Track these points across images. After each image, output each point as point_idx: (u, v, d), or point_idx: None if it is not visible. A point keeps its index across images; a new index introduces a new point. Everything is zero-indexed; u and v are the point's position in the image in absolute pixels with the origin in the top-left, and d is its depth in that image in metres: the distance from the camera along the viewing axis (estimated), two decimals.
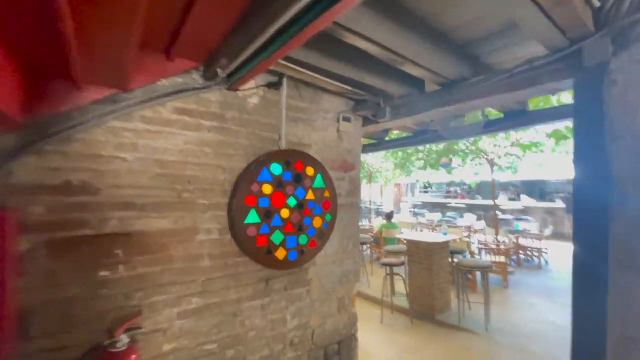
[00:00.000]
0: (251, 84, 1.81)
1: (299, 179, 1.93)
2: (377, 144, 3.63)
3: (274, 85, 1.91)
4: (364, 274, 6.09)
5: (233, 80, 1.61)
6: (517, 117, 2.44)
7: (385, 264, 4.51)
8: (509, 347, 3.50)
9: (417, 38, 1.55)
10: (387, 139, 3.58)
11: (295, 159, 1.92)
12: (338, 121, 2.20)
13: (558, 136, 6.55)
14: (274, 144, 1.90)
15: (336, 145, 2.21)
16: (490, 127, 2.56)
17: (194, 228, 1.60)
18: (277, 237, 1.83)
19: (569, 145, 6.84)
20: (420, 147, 8.06)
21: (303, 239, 1.93)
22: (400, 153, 9.03)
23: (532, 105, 2.51)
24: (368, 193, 13.64)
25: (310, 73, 1.80)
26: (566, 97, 3.11)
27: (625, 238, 1.21)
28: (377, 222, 8.64)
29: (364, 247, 7.37)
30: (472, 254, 5.82)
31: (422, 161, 8.49)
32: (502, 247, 6.09)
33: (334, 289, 2.18)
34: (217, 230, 1.68)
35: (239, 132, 1.77)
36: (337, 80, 1.94)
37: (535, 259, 7.23)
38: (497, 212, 11.52)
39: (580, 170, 1.40)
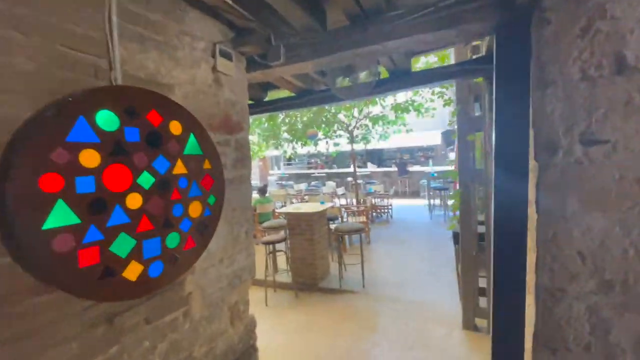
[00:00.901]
0: None
1: (156, 140, 1.15)
2: (254, 105, 3.01)
3: None
4: None
5: None
6: (404, 78, 2.39)
7: (267, 243, 4.10)
8: (385, 298, 3.86)
9: None
10: (266, 99, 3.02)
11: (145, 106, 1.11)
12: (214, 56, 1.48)
13: (398, 109, 7.71)
14: (99, 76, 1.03)
15: (214, 93, 1.49)
16: (380, 87, 2.43)
17: None
18: (122, 244, 1.04)
19: (408, 117, 8.19)
20: (287, 120, 7.86)
21: (173, 240, 1.20)
22: (266, 124, 8.58)
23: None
24: None
25: None
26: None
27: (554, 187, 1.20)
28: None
29: None
30: (341, 218, 6.23)
31: (290, 133, 8.36)
32: (361, 208, 6.81)
33: (224, 297, 1.57)
34: None
35: (12, 43, 0.84)
36: None
37: (384, 215, 8.59)
38: (350, 178, 13.13)
39: (502, 124, 1.34)
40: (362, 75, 2.31)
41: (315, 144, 7.87)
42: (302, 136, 8.11)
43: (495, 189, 1.36)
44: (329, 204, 4.72)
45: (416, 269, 4.67)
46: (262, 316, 3.82)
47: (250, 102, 3.05)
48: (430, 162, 13.10)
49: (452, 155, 13.52)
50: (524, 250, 1.32)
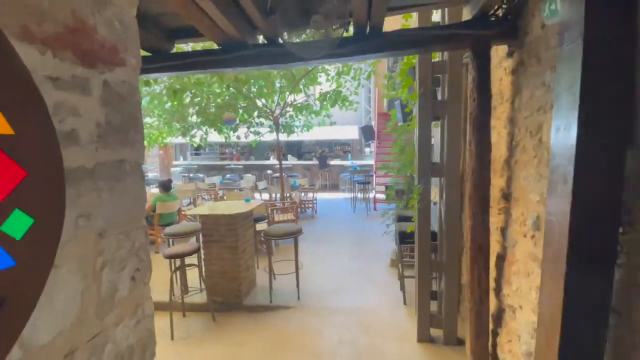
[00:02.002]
0: None
1: None
2: (154, 59, 2.00)
3: None
4: None
5: None
6: (374, 39, 1.81)
7: (172, 257, 3.06)
8: (324, 311, 3.31)
9: None
10: (173, 51, 2.04)
11: None
12: None
13: (325, 99, 7.30)
14: None
15: None
16: (345, 46, 1.80)
17: None
18: None
19: (330, 110, 7.84)
20: (196, 99, 6.52)
21: None
22: (169, 104, 7.01)
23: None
24: None
25: None
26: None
27: None
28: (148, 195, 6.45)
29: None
30: (268, 216, 5.42)
31: (200, 116, 7.02)
32: (286, 204, 6.17)
33: None
34: None
35: None
36: None
37: (309, 210, 8.14)
38: (270, 171, 12.30)
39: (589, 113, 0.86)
40: (322, 24, 1.62)
41: (234, 131, 6.79)
42: (216, 121, 6.90)
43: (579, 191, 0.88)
44: (255, 202, 3.90)
45: (350, 271, 4.30)
46: (166, 356, 2.82)
47: (147, 54, 2.03)
48: (350, 156, 13.32)
49: (367, 151, 14.13)
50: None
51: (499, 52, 1.97)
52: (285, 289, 3.73)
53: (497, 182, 1.97)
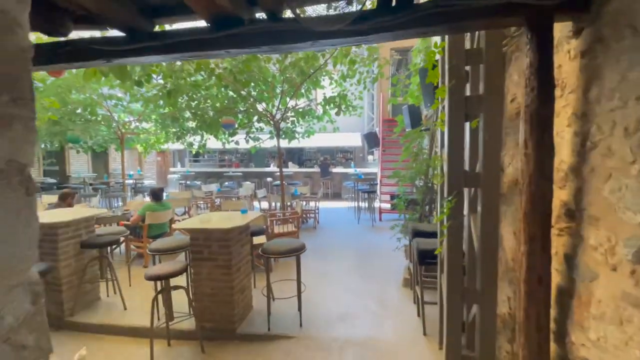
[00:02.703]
0: None
1: None
2: (128, 40, 1.61)
3: None
4: (114, 290, 3.77)
5: None
6: (400, 11, 1.41)
7: (154, 279, 2.62)
8: (332, 343, 2.84)
9: None
10: (155, 30, 1.65)
11: None
12: None
13: (330, 102, 6.93)
14: None
15: None
16: (363, 22, 1.40)
17: None
18: None
19: (332, 116, 7.46)
20: (193, 103, 6.15)
21: None
22: (166, 110, 6.64)
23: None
24: (127, 163, 9.94)
25: None
26: None
27: None
28: (139, 204, 6.03)
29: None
30: (267, 228, 4.97)
31: (196, 121, 6.64)
32: (287, 214, 5.73)
33: None
34: None
35: None
36: None
37: (310, 220, 7.70)
38: (270, 178, 11.89)
39: None
40: None
41: (232, 135, 6.40)
42: (214, 125, 6.52)
43: None
44: (253, 214, 3.47)
45: (358, 292, 3.83)
46: None
47: (121, 34, 1.64)
48: (352, 163, 12.94)
49: (370, 158, 13.73)
50: None
51: (555, 33, 1.58)
52: (285, 314, 3.27)
53: (556, 195, 1.56)
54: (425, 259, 2.72)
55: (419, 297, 2.96)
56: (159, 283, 2.79)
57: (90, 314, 3.50)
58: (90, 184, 11.81)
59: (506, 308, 2.17)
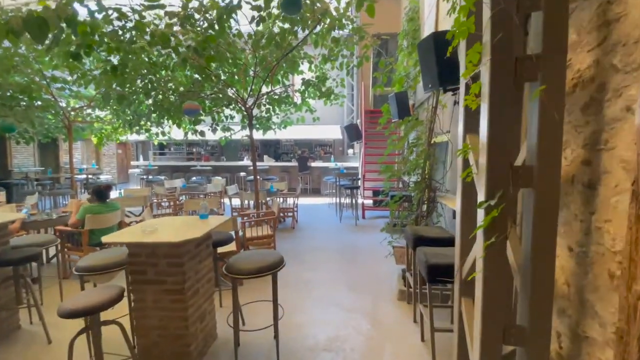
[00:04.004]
0: None
1: None
2: None
3: None
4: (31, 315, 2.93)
5: None
6: None
7: (73, 315, 1.85)
8: None
9: None
10: None
11: None
12: None
13: (308, 86, 6.21)
14: None
15: None
16: None
17: None
18: None
19: (317, 103, 6.80)
20: (149, 86, 5.20)
21: None
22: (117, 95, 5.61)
23: None
24: (83, 156, 8.70)
25: None
26: None
27: None
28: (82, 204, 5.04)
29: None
30: (242, 241, 4.20)
31: (153, 105, 5.66)
32: (261, 214, 5.01)
33: None
34: None
35: None
36: None
37: (288, 219, 7.02)
38: (243, 173, 11.01)
39: None
40: None
41: (196, 123, 5.53)
42: (176, 112, 5.61)
43: None
44: (216, 219, 2.74)
45: (346, 308, 3.22)
46: None
47: None
48: (332, 157, 12.34)
49: (350, 152, 13.17)
50: None
51: None
52: (258, 345, 2.59)
53: None
54: (436, 276, 2.15)
55: (423, 316, 2.39)
56: (86, 319, 2.02)
57: (5, 348, 2.68)
58: (37, 180, 10.37)
59: (555, 346, 1.64)
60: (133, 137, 9.01)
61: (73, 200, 5.26)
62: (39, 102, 7.06)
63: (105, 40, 3.85)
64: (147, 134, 7.60)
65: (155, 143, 10.43)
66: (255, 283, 3.51)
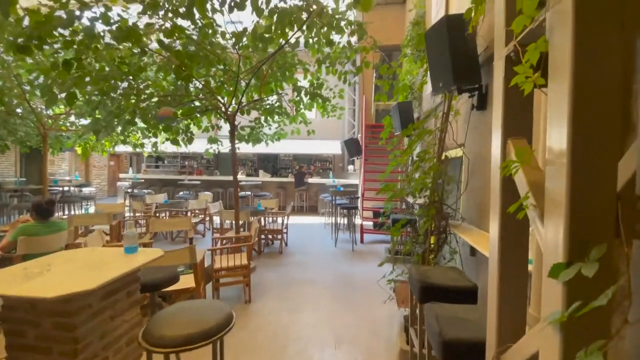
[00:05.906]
0: None
1: None
2: None
3: None
4: None
5: None
6: None
7: None
8: None
9: None
10: None
11: None
12: None
13: (306, 94, 5.63)
14: None
15: None
16: None
17: None
18: None
19: (313, 113, 6.21)
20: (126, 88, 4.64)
21: None
22: (98, 99, 5.05)
23: None
24: (71, 167, 8.09)
25: None
26: None
27: None
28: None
29: None
30: (209, 272, 3.46)
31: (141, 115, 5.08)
32: (241, 236, 4.28)
33: None
34: None
35: None
36: None
37: (277, 242, 6.25)
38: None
39: None
40: None
41: (165, 130, 4.89)
42: (153, 119, 5.00)
43: None
44: (150, 253, 2.02)
45: None
46: None
47: None
48: (331, 173, 11.67)
49: (351, 168, 12.49)
50: None
51: None
52: None
53: None
54: (456, 357, 1.40)
55: None
56: None
57: None
58: (15, 191, 9.77)
59: None
60: (123, 148, 8.44)
61: (21, 217, 4.58)
62: (19, 110, 6.54)
63: (59, 32, 3.30)
64: (132, 145, 7.03)
65: (145, 155, 9.86)
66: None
